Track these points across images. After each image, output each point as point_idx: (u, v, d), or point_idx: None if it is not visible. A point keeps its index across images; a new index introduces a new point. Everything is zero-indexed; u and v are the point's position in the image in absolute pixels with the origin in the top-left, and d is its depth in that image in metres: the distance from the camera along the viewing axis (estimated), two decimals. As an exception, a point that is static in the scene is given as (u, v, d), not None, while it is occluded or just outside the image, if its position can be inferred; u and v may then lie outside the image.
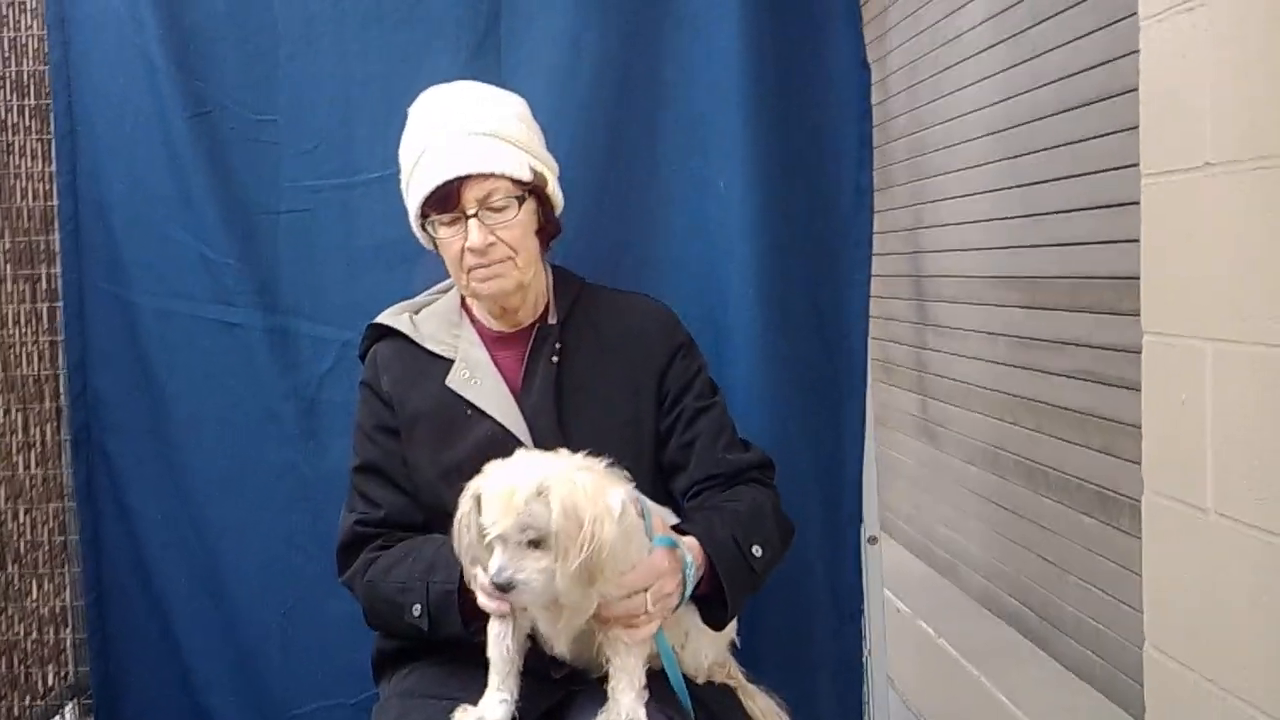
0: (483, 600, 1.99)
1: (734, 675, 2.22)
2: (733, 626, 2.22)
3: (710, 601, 2.11)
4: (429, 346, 2.29)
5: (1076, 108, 3.51)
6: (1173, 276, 2.21)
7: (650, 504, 2.07)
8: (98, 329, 2.78)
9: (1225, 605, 2.07)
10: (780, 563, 2.24)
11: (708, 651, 2.15)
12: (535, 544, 1.84)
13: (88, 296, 2.77)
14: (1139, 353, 3.23)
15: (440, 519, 2.09)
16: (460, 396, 2.23)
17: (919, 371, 4.95)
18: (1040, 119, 3.72)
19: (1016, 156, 3.90)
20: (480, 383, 2.24)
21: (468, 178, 2.14)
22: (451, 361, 2.26)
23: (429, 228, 2.22)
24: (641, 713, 1.93)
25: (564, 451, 1.98)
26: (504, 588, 1.85)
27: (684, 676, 2.07)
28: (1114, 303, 3.34)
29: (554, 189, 2.28)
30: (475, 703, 1.98)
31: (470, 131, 2.17)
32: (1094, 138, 3.41)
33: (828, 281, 2.69)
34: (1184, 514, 2.17)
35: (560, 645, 2.01)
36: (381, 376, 2.29)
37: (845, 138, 2.68)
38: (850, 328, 2.70)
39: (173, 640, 2.81)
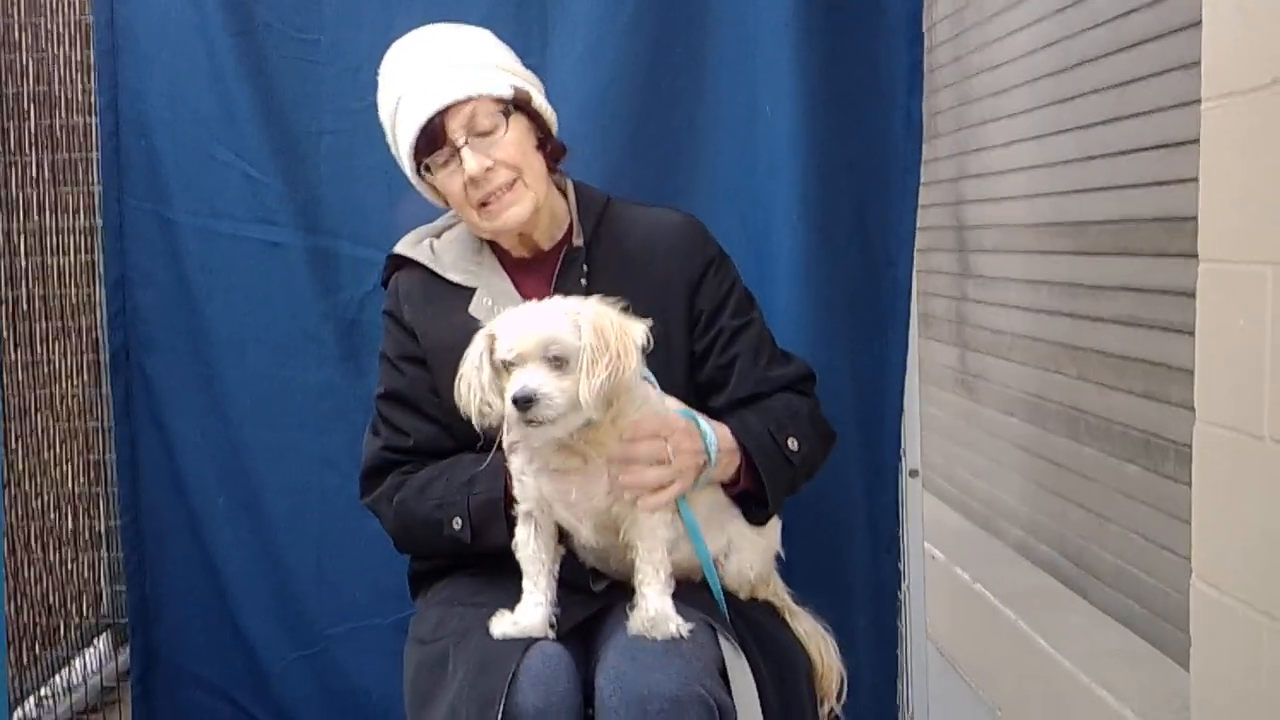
0: (507, 443, 1.98)
1: (779, 594, 2.19)
2: (777, 539, 2.18)
3: (749, 497, 2.08)
4: (450, 276, 2.24)
5: (1125, 49, 3.44)
6: (1233, 201, 2.16)
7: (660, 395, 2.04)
8: (137, 247, 2.77)
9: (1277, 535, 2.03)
10: (821, 465, 2.20)
11: (753, 562, 2.11)
12: (558, 364, 1.84)
13: (127, 214, 2.76)
14: (1184, 295, 3.21)
15: (470, 448, 2.08)
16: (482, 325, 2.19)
17: (958, 323, 4.90)
18: (1087, 62, 3.65)
19: (1063, 101, 3.83)
20: (503, 310, 2.15)
21: (447, 109, 2.08)
22: (474, 290, 2.22)
23: (426, 176, 2.17)
24: (668, 605, 1.91)
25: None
26: (525, 402, 1.83)
27: (726, 592, 2.05)
28: (1162, 244, 3.28)
29: (541, 103, 2.21)
30: (513, 609, 1.96)
31: (440, 67, 2.12)
32: (1142, 79, 3.35)
33: (875, 208, 2.65)
34: (1239, 442, 2.13)
35: (585, 531, 1.98)
36: (403, 306, 2.25)
37: (896, 63, 2.63)
38: (897, 255, 2.66)
39: (208, 561, 2.81)
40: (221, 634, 2.83)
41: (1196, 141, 2.38)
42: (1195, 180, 2.83)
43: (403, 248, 2.30)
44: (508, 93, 2.12)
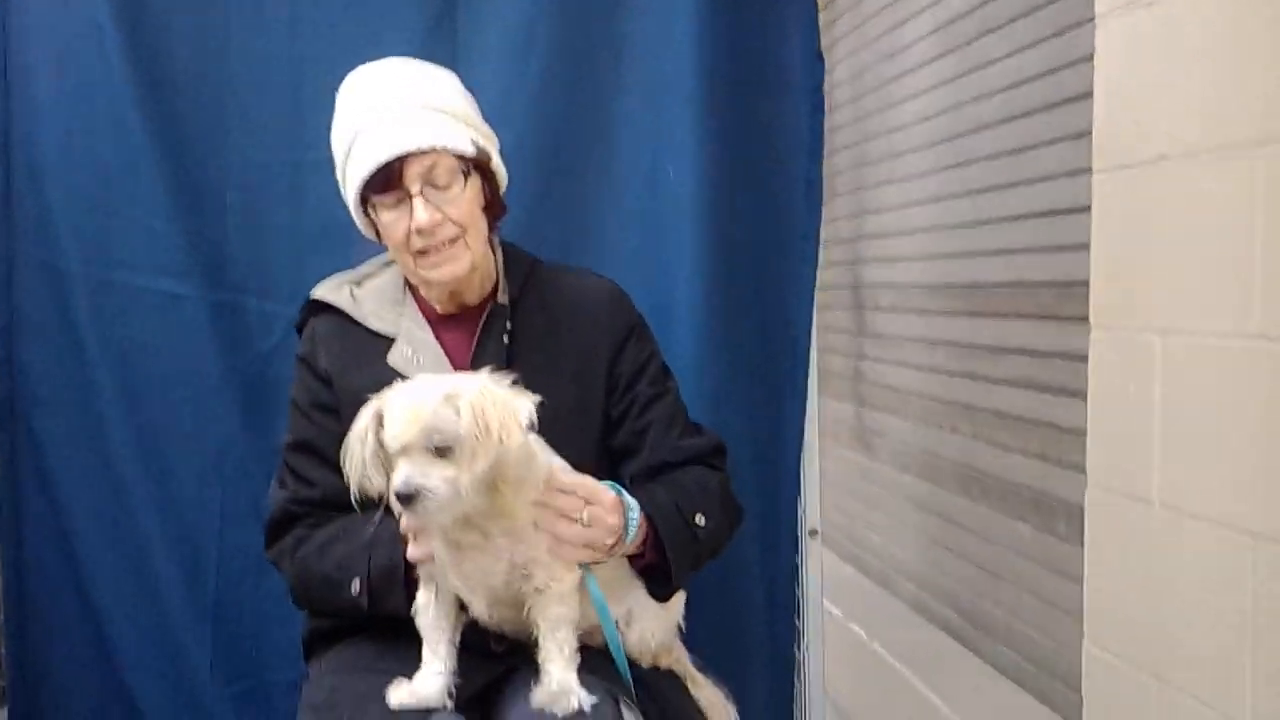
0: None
1: (681, 661, 2.19)
2: (679, 608, 2.18)
3: (653, 573, 2.08)
4: (370, 323, 2.21)
5: (1017, 118, 3.53)
6: (1122, 270, 2.22)
7: (559, 462, 2.03)
8: (25, 296, 2.69)
9: (1170, 599, 2.07)
10: (727, 542, 2.21)
11: (654, 631, 2.11)
12: (441, 453, 1.79)
13: (16, 263, 2.68)
14: (1078, 358, 3.27)
15: (379, 503, 2.04)
16: (403, 376, 2.13)
17: (855, 381, 4.96)
18: (985, 128, 3.74)
19: (960, 165, 3.91)
20: (423, 362, 2.17)
21: (408, 155, 2.06)
22: (393, 339, 2.20)
23: (371, 213, 2.15)
24: (572, 680, 1.88)
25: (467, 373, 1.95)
26: (408, 498, 1.79)
27: (628, 659, 2.04)
28: (1053, 308, 3.35)
29: (498, 163, 2.21)
30: (411, 677, 1.93)
31: (406, 107, 2.10)
32: (1037, 146, 3.44)
33: (774, 271, 2.69)
34: (1128, 506, 2.18)
35: (479, 606, 1.96)
36: (319, 353, 2.22)
37: (798, 130, 2.68)
38: (795, 316, 2.70)
39: (94, 621, 2.72)
40: (106, 697, 2.74)
41: (1086, 209, 2.45)
42: (1086, 247, 2.91)
43: (321, 291, 2.27)
44: (471, 150, 2.11)
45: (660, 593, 2.10)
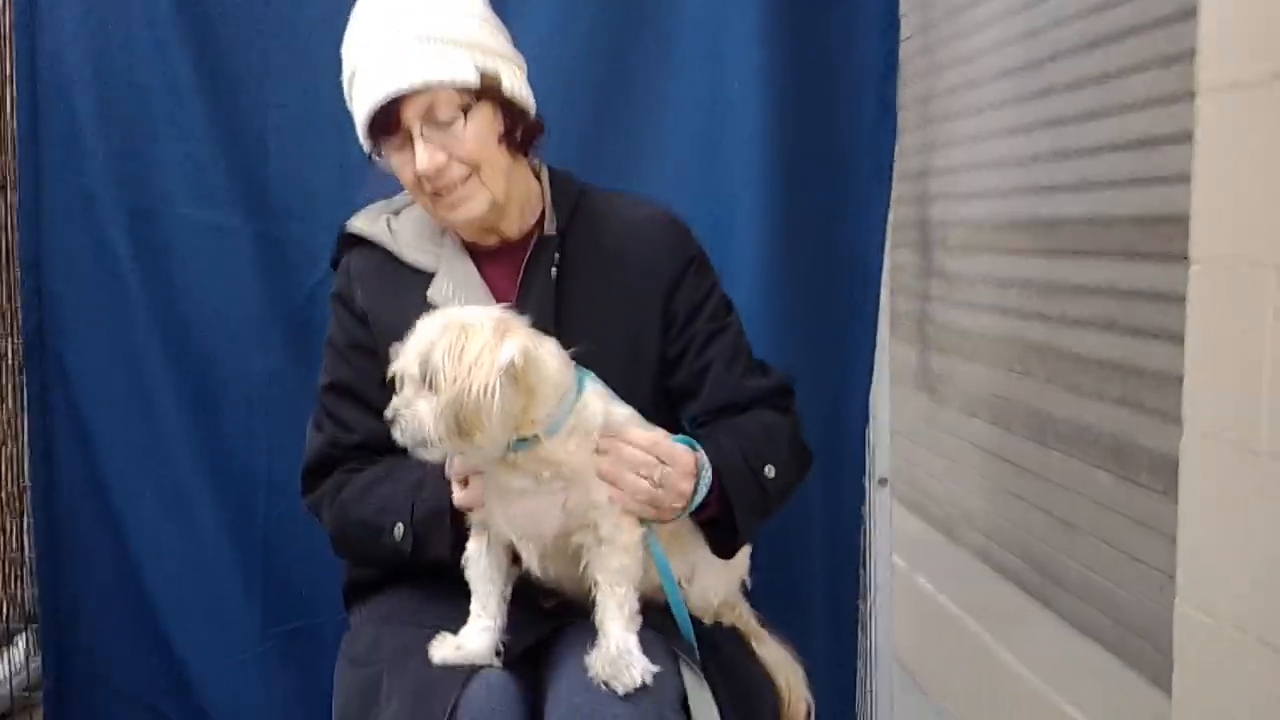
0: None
1: (745, 618, 2.03)
2: (744, 563, 2.02)
3: (718, 525, 1.93)
4: (408, 257, 2.05)
5: (1104, 43, 3.32)
6: (1230, 199, 2.03)
7: (626, 411, 1.87)
8: (57, 225, 2.56)
9: (1274, 555, 1.91)
10: (796, 490, 2.06)
11: (717, 588, 1.96)
12: (430, 383, 1.68)
13: (46, 189, 2.55)
14: (1160, 298, 3.10)
15: None
16: None
17: (921, 322, 4.78)
18: (1063, 54, 3.54)
19: (1036, 97, 3.71)
20: (465, 299, 1.99)
21: (403, 96, 1.88)
22: (433, 274, 2.04)
23: (381, 156, 1.98)
24: (633, 644, 1.74)
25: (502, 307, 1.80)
26: (390, 423, 1.71)
27: (689, 615, 1.89)
28: (1137, 245, 3.17)
29: (513, 87, 1.98)
30: (456, 631, 1.79)
31: (401, 41, 1.90)
32: (1123, 74, 3.23)
33: (844, 201, 2.51)
34: (1233, 457, 2.01)
35: (532, 560, 1.81)
36: (355, 289, 2.07)
37: (870, 49, 2.50)
38: (866, 251, 2.52)
39: (130, 561, 2.61)
40: (144, 640, 2.63)
41: (1173, 140, 2.28)
42: (1172, 180, 2.72)
43: (357, 224, 2.11)
44: (472, 80, 1.91)
45: (725, 548, 1.95)
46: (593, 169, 2.28)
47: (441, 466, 1.83)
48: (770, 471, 1.94)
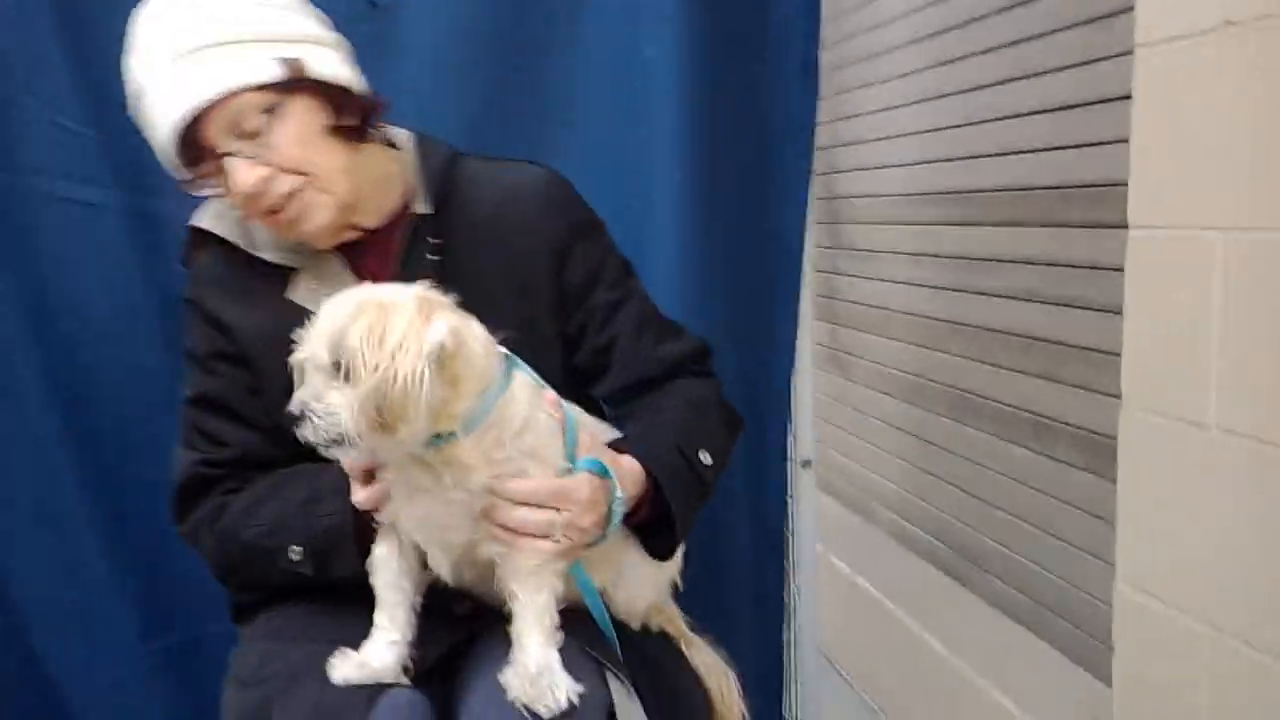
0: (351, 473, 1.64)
1: (674, 621, 1.89)
2: (677, 562, 1.88)
3: (652, 528, 1.78)
4: (265, 254, 1.85)
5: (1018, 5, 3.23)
6: (1173, 160, 1.94)
7: (580, 414, 1.72)
8: None
9: (1226, 535, 1.82)
10: (728, 464, 1.92)
11: (644, 593, 1.82)
12: (344, 373, 1.51)
13: None
14: (1084, 267, 3.01)
15: (308, 455, 1.71)
16: (311, 313, 1.72)
17: (829, 298, 4.67)
18: (975, 20, 3.43)
19: (953, 61, 3.61)
20: (327, 294, 1.73)
21: (200, 112, 1.68)
22: (295, 269, 1.83)
23: (195, 182, 1.78)
24: (553, 659, 1.59)
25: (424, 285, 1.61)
26: (297, 420, 1.53)
27: (614, 621, 1.74)
28: (1059, 214, 3.07)
29: (326, 70, 1.78)
30: (358, 646, 1.63)
31: (176, 55, 1.69)
32: (1033, 38, 3.14)
33: (764, 168, 2.38)
34: (1178, 431, 1.92)
35: (442, 567, 1.64)
36: (206, 294, 1.87)
37: (792, 7, 2.36)
38: (787, 221, 2.40)
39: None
40: (13, 658, 2.42)
41: (1099, 101, 2.18)
42: (1095, 145, 2.62)
43: (205, 219, 1.90)
44: (274, 73, 1.70)
45: (662, 549, 1.80)
46: (499, 138, 2.12)
47: (335, 476, 1.65)
48: (707, 458, 1.80)
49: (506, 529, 1.60)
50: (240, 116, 1.69)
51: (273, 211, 1.74)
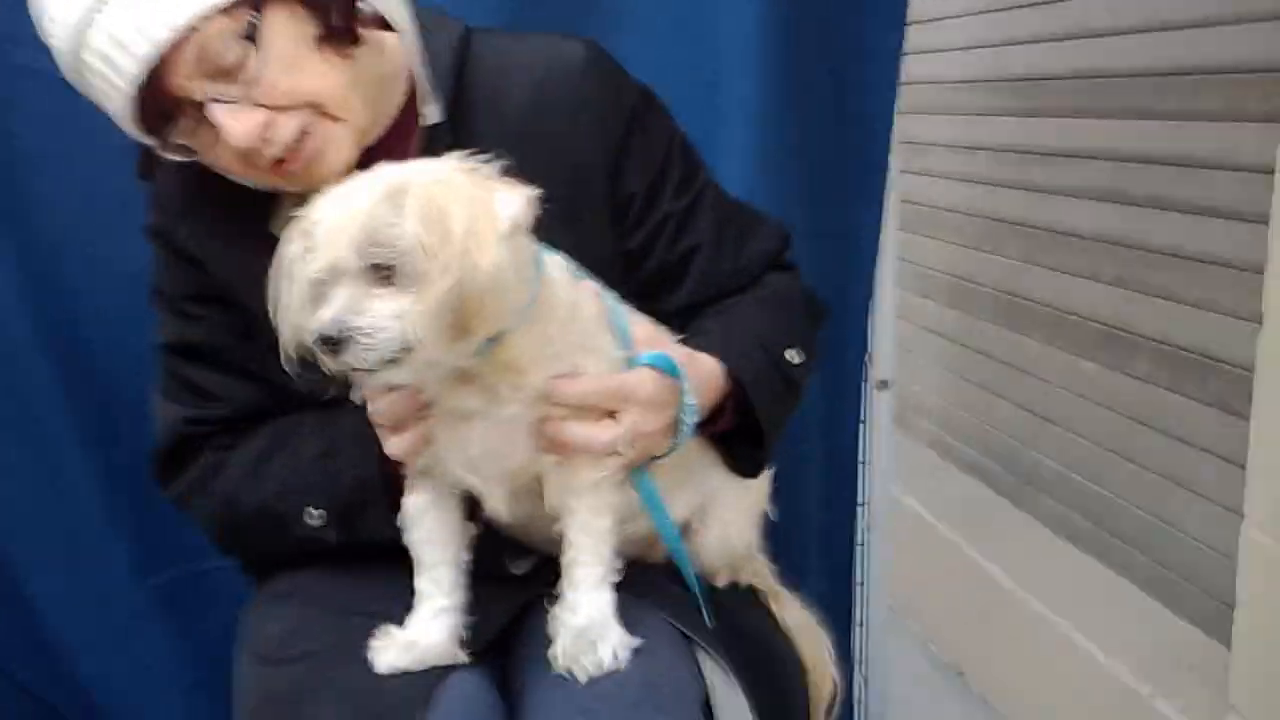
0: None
1: (762, 574, 1.61)
2: (764, 492, 1.60)
3: (736, 440, 1.50)
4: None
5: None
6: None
7: (627, 311, 1.43)
8: None
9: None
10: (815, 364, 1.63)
11: (739, 530, 1.53)
12: (386, 277, 1.20)
13: None
14: (1172, 164, 2.74)
15: (311, 402, 1.42)
16: None
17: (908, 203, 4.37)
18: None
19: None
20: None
21: (162, 57, 1.30)
22: (279, 195, 1.45)
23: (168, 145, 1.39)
24: (608, 612, 1.33)
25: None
26: (332, 344, 1.20)
27: (700, 578, 1.47)
28: (1146, 103, 2.79)
29: None
30: (399, 618, 1.35)
31: None
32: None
33: (850, 50, 2.07)
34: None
35: (495, 499, 1.36)
36: (175, 225, 1.53)
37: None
38: (874, 107, 2.10)
39: None
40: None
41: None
42: (1188, 27, 2.34)
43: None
44: None
45: (749, 466, 1.52)
46: (544, 21, 1.81)
47: (354, 422, 1.36)
48: (794, 356, 1.51)
49: (561, 442, 1.32)
50: (211, 51, 1.31)
51: (279, 163, 1.41)
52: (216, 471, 1.50)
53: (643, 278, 1.58)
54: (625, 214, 1.56)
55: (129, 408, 2.01)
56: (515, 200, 1.23)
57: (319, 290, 1.22)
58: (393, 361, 1.21)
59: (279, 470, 1.45)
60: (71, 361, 2.12)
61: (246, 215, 1.46)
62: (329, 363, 1.22)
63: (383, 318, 1.19)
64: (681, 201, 1.57)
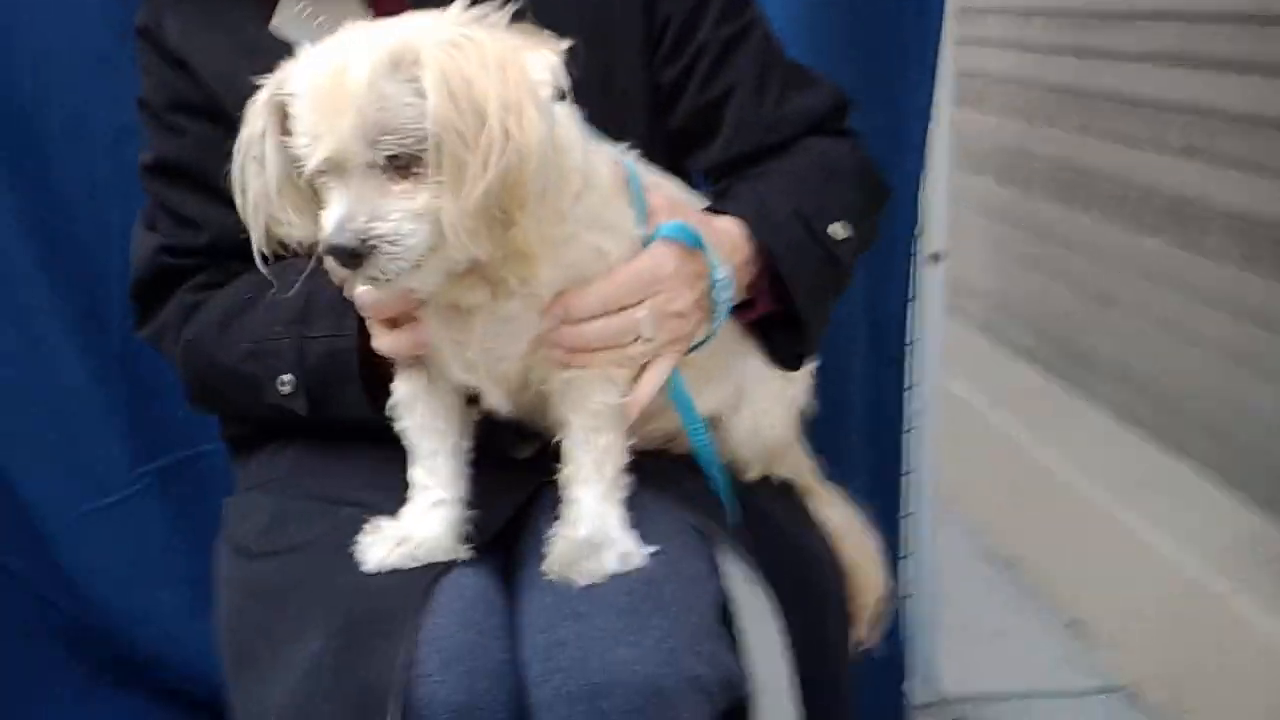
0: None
1: (799, 470, 1.45)
2: (804, 381, 1.43)
3: (774, 323, 1.34)
4: None
5: None
6: None
7: (645, 172, 1.26)
8: None
9: None
10: (869, 245, 1.46)
11: (774, 421, 1.36)
12: (401, 169, 1.03)
13: None
14: (1250, 22, 2.53)
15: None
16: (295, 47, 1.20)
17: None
18: None
19: None
20: (329, 24, 1.23)
21: None
22: None
23: None
24: (610, 518, 1.16)
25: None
26: (352, 255, 1.03)
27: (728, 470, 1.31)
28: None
29: None
30: (394, 511, 1.20)
31: None
32: None
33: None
34: None
35: (495, 397, 1.20)
36: (164, 19, 1.40)
37: None
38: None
39: None
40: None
41: None
42: None
43: None
44: None
45: (787, 353, 1.36)
46: None
47: (330, 284, 1.20)
48: (839, 231, 1.34)
49: (579, 349, 1.16)
50: None
51: None
52: (188, 316, 1.37)
53: (673, 126, 1.42)
54: (661, 40, 1.40)
55: (118, 294, 1.87)
56: (549, 59, 1.05)
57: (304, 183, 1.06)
58: (416, 266, 1.04)
59: (252, 327, 1.31)
60: (56, 246, 1.99)
61: (244, 10, 1.32)
62: (340, 274, 1.07)
63: (405, 217, 1.02)
64: (723, 30, 1.40)
